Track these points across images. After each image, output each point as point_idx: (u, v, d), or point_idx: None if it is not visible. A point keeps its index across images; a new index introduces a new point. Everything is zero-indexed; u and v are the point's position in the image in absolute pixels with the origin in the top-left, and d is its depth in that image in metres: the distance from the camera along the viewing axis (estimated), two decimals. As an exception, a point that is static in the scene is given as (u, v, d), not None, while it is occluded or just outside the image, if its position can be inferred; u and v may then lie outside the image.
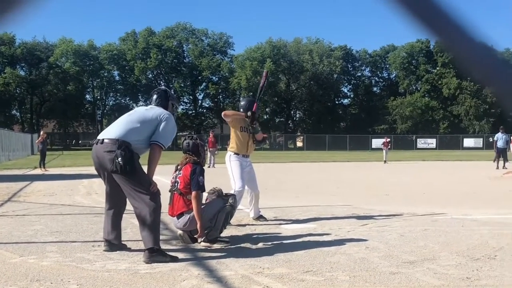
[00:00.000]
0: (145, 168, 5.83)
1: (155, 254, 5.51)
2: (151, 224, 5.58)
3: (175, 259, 5.57)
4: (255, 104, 8.25)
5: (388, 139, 36.86)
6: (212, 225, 6.34)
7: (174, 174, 6.59)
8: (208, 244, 6.31)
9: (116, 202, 6.04)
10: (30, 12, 0.76)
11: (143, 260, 5.49)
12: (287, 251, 6.00)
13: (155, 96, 6.37)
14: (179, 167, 6.61)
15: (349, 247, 6.28)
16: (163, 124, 5.93)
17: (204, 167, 6.74)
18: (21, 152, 46.44)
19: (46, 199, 12.01)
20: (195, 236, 6.38)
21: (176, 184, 6.48)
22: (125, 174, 5.61)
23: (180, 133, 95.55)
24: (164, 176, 16.56)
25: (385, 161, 33.70)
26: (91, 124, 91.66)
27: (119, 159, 5.55)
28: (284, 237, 7.02)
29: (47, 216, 9.16)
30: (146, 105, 6.56)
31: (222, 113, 8.44)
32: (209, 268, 5.28)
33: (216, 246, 6.29)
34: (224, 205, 6.44)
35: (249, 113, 8.16)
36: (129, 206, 5.92)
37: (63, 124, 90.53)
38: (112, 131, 5.87)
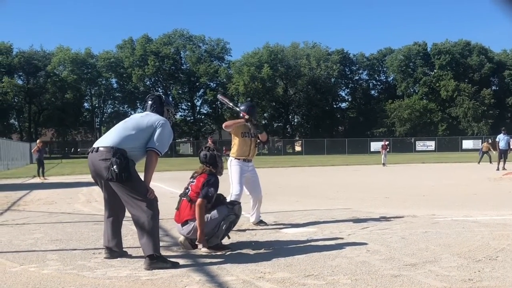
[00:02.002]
0: (142, 175, 5.81)
1: (156, 261, 5.49)
2: (149, 231, 5.55)
3: (176, 265, 5.55)
4: (242, 114, 8.27)
5: (387, 142, 36.89)
6: (214, 232, 6.34)
7: (189, 181, 6.61)
8: (209, 251, 6.29)
9: (115, 209, 6.02)
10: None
11: (143, 267, 5.47)
12: (288, 255, 5.99)
13: (150, 102, 6.30)
14: (195, 175, 6.64)
15: (350, 250, 6.27)
16: (159, 130, 5.87)
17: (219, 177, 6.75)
18: (20, 161, 46.42)
19: (46, 208, 11.98)
20: (196, 242, 6.36)
21: (187, 190, 6.49)
22: (121, 181, 5.58)
23: (179, 140, 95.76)
24: (163, 183, 16.46)
25: (384, 164, 33.74)
26: (90, 132, 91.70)
27: (115, 167, 5.52)
28: (285, 241, 7.01)
29: (47, 224, 9.14)
30: (142, 111, 6.52)
31: (223, 125, 8.44)
32: (210, 273, 5.26)
33: (217, 252, 6.28)
34: (228, 214, 6.41)
35: (246, 116, 8.17)
36: (128, 213, 5.90)
37: (61, 132, 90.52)
38: (107, 139, 5.83)
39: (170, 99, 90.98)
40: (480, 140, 77.59)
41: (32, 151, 26.34)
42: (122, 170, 5.53)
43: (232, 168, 8.20)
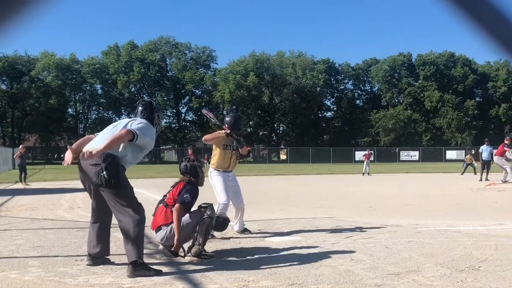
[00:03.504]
0: (131, 181, 5.79)
1: (139, 268, 5.46)
2: (135, 237, 5.53)
3: (159, 273, 5.52)
4: (224, 126, 8.26)
5: (370, 152, 37.04)
6: (195, 240, 6.33)
7: (168, 190, 6.67)
8: (193, 258, 6.27)
9: (103, 215, 5.99)
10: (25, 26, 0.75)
11: (126, 275, 5.43)
12: (272, 264, 5.97)
13: (140, 108, 6.30)
14: (174, 184, 6.71)
15: (334, 259, 6.27)
16: (141, 124, 5.93)
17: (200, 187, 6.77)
18: (2, 166, 45.95)
19: (28, 214, 11.87)
20: (172, 249, 6.32)
21: (164, 197, 6.50)
22: (110, 187, 5.56)
23: (164, 147, 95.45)
24: (148, 190, 16.40)
25: (367, 173, 33.77)
26: (73, 138, 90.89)
27: (104, 172, 5.50)
28: (269, 250, 7.00)
29: (29, 230, 9.05)
30: (131, 117, 6.50)
31: (203, 139, 8.50)
32: (193, 281, 5.23)
33: (201, 260, 6.25)
34: (202, 218, 6.40)
35: (227, 131, 8.18)
36: (114, 219, 5.87)
37: (45, 138, 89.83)
38: (97, 144, 5.81)
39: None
40: (464, 151, 78.30)
41: (14, 156, 26.02)
42: (112, 176, 5.52)
43: (213, 178, 8.20)
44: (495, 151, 26.86)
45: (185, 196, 6.34)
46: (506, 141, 23.60)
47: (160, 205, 6.52)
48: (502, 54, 0.84)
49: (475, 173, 32.03)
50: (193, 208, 6.55)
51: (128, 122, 6.00)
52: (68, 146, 6.10)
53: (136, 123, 5.95)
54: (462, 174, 32.71)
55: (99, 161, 5.59)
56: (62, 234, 8.57)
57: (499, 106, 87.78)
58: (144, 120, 6.07)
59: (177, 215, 6.21)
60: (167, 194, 6.56)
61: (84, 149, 5.79)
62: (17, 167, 25.59)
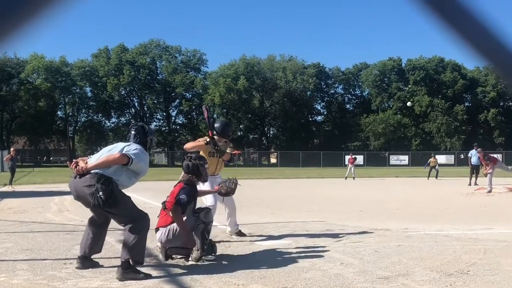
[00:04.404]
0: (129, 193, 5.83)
1: (129, 270, 5.45)
2: (134, 241, 5.59)
3: (148, 277, 5.51)
4: (209, 132, 8.27)
5: (354, 156, 37.23)
6: (194, 247, 6.33)
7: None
8: (185, 262, 6.29)
9: (102, 220, 6.04)
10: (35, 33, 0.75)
11: (116, 277, 5.41)
12: (262, 267, 5.97)
13: (133, 133, 6.31)
14: (176, 185, 6.71)
15: (324, 263, 6.27)
16: (136, 150, 5.95)
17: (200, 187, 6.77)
18: (-9, 169, 45.66)
19: (17, 217, 11.80)
20: (189, 247, 6.32)
21: (166, 199, 6.52)
22: (108, 207, 5.58)
23: (153, 150, 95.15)
24: (137, 193, 16.29)
25: (352, 178, 33.83)
26: (63, 140, 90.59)
27: (100, 193, 5.52)
28: (259, 253, 6.99)
29: (17, 233, 8.99)
30: (125, 141, 6.49)
31: (184, 147, 8.54)
32: (182, 285, 5.22)
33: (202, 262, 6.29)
34: (196, 224, 6.37)
35: (206, 139, 8.19)
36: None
37: (34, 140, 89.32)
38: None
39: (145, 109, 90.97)
40: (453, 155, 78.68)
41: (5, 159, 25.84)
42: (108, 196, 5.54)
43: (201, 185, 8.15)
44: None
45: (181, 196, 6.34)
46: (479, 154, 23.70)
47: (162, 208, 6.55)
48: (479, 61, 0.85)
49: (437, 178, 32.50)
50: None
51: (124, 147, 6.00)
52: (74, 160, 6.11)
53: (132, 148, 5.97)
54: (428, 178, 32.93)
55: (93, 182, 5.60)
56: (51, 237, 8.53)
57: (488, 111, 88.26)
58: (139, 146, 6.08)
59: (176, 215, 6.23)
60: (168, 196, 6.57)
61: (75, 163, 5.80)
62: (8, 169, 25.46)
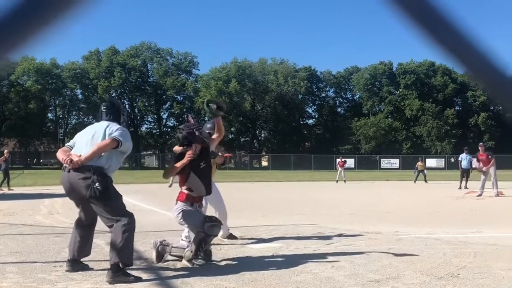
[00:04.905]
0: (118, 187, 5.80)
1: (119, 273, 5.42)
2: (121, 243, 5.55)
3: (138, 279, 5.49)
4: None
5: (344, 159, 37.34)
6: (189, 246, 6.31)
7: None
8: (175, 264, 6.27)
9: (89, 221, 5.99)
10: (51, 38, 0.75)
11: (105, 280, 5.39)
12: (253, 270, 5.96)
13: (104, 111, 6.26)
14: None
15: (315, 266, 6.27)
16: (119, 130, 5.94)
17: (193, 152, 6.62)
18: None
19: (6, 219, 11.72)
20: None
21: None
22: (104, 198, 5.57)
23: (144, 152, 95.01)
24: (128, 195, 16.21)
25: (343, 181, 33.88)
26: (53, 143, 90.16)
27: (97, 184, 5.52)
28: (250, 256, 6.98)
29: (7, 236, 8.94)
30: (98, 120, 6.42)
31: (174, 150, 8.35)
32: (173, 288, 5.20)
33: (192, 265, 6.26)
34: (198, 231, 6.30)
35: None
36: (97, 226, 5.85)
37: (24, 142, 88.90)
38: (81, 153, 5.79)
39: (136, 111, 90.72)
40: (444, 159, 78.94)
41: (0, 160, 25.72)
42: (105, 187, 5.56)
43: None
44: (475, 160, 27.10)
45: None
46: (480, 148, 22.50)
47: None
48: (457, 67, 0.86)
49: (426, 181, 32.68)
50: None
51: (105, 130, 5.96)
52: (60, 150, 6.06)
53: (114, 129, 5.94)
54: (415, 182, 33.10)
55: (88, 174, 5.60)
56: (41, 239, 8.48)
57: (478, 115, 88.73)
58: (118, 125, 6.07)
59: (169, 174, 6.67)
60: None
61: (69, 158, 5.74)
62: (1, 171, 25.41)
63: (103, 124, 6.14)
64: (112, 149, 5.77)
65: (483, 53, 0.83)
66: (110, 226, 5.70)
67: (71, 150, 6.09)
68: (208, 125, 8.32)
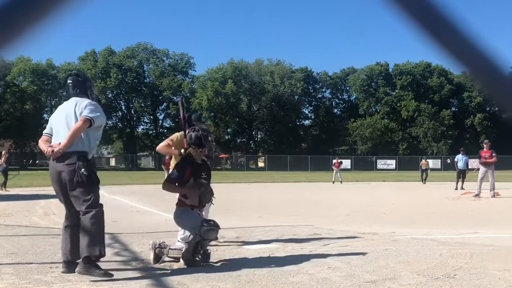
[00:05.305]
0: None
1: (89, 265, 5.46)
2: (92, 234, 5.59)
3: (108, 275, 5.50)
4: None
5: (339, 160, 37.37)
6: (187, 247, 6.30)
7: None
8: (172, 265, 6.27)
9: (75, 219, 5.94)
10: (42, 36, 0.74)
11: (76, 271, 5.45)
12: (249, 271, 5.95)
13: (70, 85, 6.18)
14: None
15: (311, 267, 6.27)
16: (90, 107, 5.90)
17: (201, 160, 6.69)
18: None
19: (2, 220, 11.69)
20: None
21: None
22: (87, 184, 5.63)
23: (141, 153, 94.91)
24: (123, 196, 16.25)
25: (339, 182, 33.86)
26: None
27: (82, 170, 5.57)
28: (246, 257, 6.97)
29: (2, 237, 8.91)
30: (67, 97, 6.35)
31: (157, 149, 8.24)
32: (170, 289, 5.19)
33: (186, 265, 6.24)
34: (195, 233, 6.27)
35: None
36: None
37: (19, 143, 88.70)
38: (60, 140, 5.82)
39: (132, 112, 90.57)
40: (440, 160, 79.02)
41: (1, 162, 25.80)
42: (90, 173, 5.67)
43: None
44: (471, 161, 27.14)
45: (172, 171, 6.41)
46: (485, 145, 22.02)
47: None
48: (456, 67, 0.85)
49: (424, 182, 32.62)
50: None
51: (75, 110, 5.90)
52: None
53: (82, 106, 5.88)
54: (424, 182, 32.93)
55: (73, 161, 5.65)
56: (37, 241, 8.45)
57: (474, 116, 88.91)
58: (87, 100, 6.02)
59: (168, 189, 6.56)
60: None
61: (51, 149, 5.73)
62: (0, 172, 25.49)
63: (71, 103, 6.07)
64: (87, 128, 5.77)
65: (482, 52, 0.82)
66: (81, 211, 5.70)
67: (51, 138, 6.10)
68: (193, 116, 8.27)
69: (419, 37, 0.81)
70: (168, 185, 6.44)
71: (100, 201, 5.91)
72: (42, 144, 6.09)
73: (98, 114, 5.90)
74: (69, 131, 5.75)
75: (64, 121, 5.94)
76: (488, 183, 19.84)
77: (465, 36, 0.82)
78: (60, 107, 6.33)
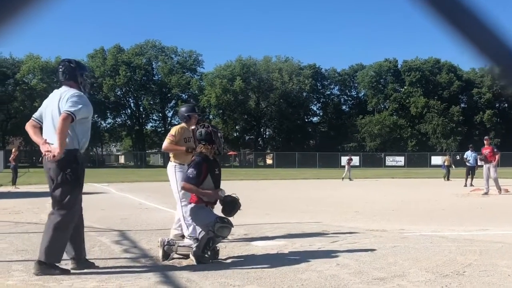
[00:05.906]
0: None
1: (44, 266, 5.52)
2: (50, 238, 5.59)
3: (66, 272, 5.55)
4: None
5: (352, 157, 37.28)
6: (197, 243, 6.31)
7: None
8: (181, 262, 6.29)
9: (75, 222, 5.95)
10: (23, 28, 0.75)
11: (33, 272, 5.50)
12: (257, 268, 5.96)
13: (60, 71, 6.12)
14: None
15: (319, 264, 6.27)
16: (73, 99, 5.76)
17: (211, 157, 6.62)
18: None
19: (12, 217, 11.76)
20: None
21: None
22: (70, 185, 5.64)
23: (149, 151, 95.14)
24: (132, 193, 16.29)
25: (348, 178, 33.71)
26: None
27: (68, 170, 5.63)
28: (255, 254, 6.98)
29: (12, 234, 8.96)
30: (59, 85, 6.26)
31: (163, 148, 8.18)
32: (178, 286, 5.21)
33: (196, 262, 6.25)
34: (208, 229, 6.26)
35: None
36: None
37: (29, 141, 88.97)
38: (50, 140, 5.75)
39: (141, 109, 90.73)
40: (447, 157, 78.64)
41: (11, 159, 26.07)
42: (77, 177, 5.70)
43: (178, 174, 7.65)
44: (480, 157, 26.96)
45: (189, 170, 6.32)
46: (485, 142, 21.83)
47: None
48: (482, 62, 0.85)
49: (445, 179, 32.30)
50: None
51: (58, 105, 5.82)
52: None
53: (64, 100, 5.76)
54: (448, 179, 32.52)
55: (63, 161, 5.63)
56: (46, 238, 8.49)
57: (483, 112, 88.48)
58: (70, 91, 5.86)
59: (189, 190, 6.44)
60: None
61: (45, 148, 5.69)
62: (11, 169, 25.84)
63: (56, 95, 5.98)
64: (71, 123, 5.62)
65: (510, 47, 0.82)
66: (53, 208, 5.73)
67: (39, 123, 6.05)
68: (182, 109, 8.23)
69: (445, 31, 0.80)
70: (188, 187, 6.36)
71: (80, 205, 5.91)
72: (34, 136, 6.00)
73: (80, 106, 5.71)
74: (55, 129, 5.66)
75: (50, 118, 5.88)
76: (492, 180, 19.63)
77: (493, 31, 0.81)
78: (51, 95, 6.19)
